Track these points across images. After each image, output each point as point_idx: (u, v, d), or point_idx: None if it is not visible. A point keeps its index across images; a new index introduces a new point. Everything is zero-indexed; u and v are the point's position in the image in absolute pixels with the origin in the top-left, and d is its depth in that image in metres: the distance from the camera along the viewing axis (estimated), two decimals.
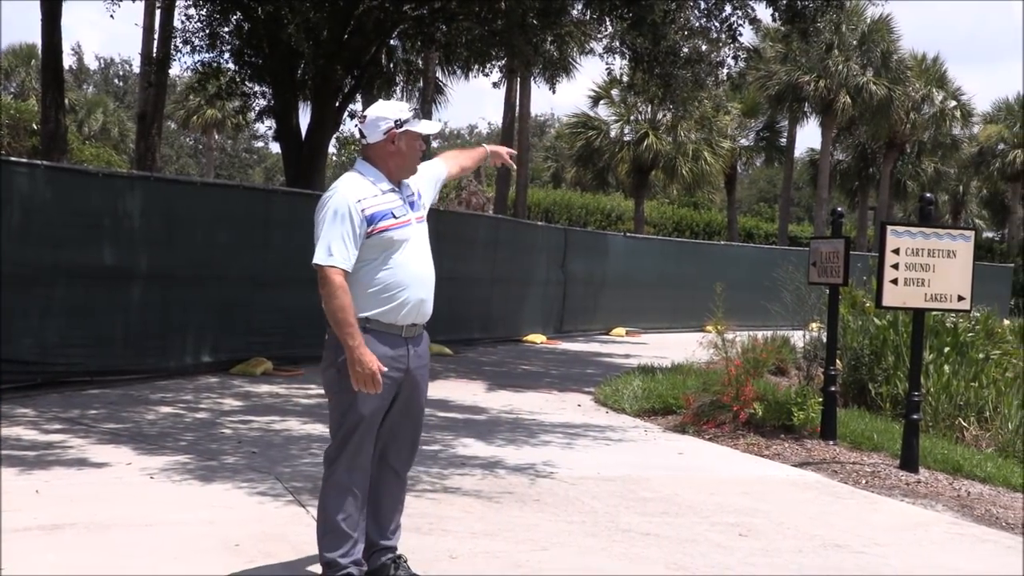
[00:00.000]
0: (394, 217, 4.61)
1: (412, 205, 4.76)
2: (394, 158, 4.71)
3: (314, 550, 4.76)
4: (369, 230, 4.55)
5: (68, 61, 59.15)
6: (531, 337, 19.66)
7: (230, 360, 12.79)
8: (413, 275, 4.64)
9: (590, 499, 6.93)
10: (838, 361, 10.27)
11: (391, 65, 20.34)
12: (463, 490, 6.91)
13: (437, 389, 11.76)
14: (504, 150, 5.51)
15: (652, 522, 6.38)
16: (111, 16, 19.41)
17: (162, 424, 9.04)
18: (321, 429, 8.85)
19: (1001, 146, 47.05)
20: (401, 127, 4.68)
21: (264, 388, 11.55)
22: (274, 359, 13.02)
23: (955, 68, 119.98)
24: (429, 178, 5.04)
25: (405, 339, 4.67)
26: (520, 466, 7.83)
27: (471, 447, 8.49)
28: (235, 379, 12.21)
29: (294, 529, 5.72)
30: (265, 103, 18.07)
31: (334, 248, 4.49)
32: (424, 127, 4.75)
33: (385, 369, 4.52)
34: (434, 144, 49.76)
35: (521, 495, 6.89)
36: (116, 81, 77.70)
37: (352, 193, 4.60)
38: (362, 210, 4.54)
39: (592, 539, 5.91)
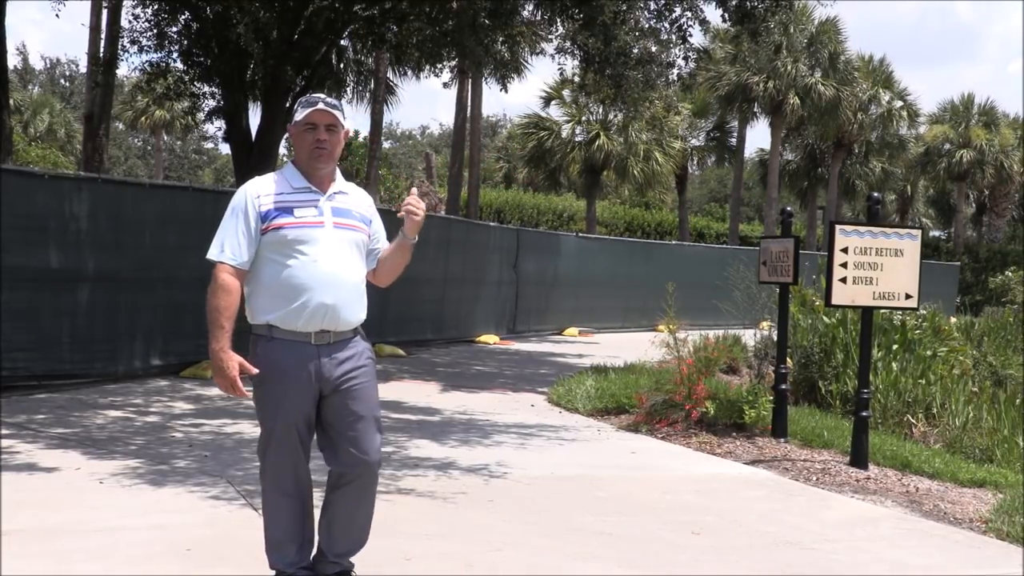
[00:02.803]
0: (293, 215, 4.35)
1: (339, 211, 4.46)
2: (297, 152, 4.52)
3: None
4: (264, 227, 4.35)
5: (13, 61, 58.34)
6: (484, 338, 19.66)
7: (180, 363, 12.68)
8: (317, 278, 4.32)
9: (544, 499, 6.94)
10: (788, 359, 10.36)
11: (341, 65, 20.26)
12: (417, 491, 6.89)
13: (390, 390, 11.73)
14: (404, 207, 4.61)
15: (606, 521, 6.40)
16: (56, 15, 19.10)
17: (112, 428, 8.94)
18: None
19: (947, 146, 47.66)
20: (293, 118, 4.51)
21: (215, 391, 11.43)
22: None
23: (901, 69, 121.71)
24: (379, 234, 4.69)
25: (316, 347, 4.37)
26: (474, 467, 7.83)
27: (425, 448, 8.47)
28: (186, 382, 12.10)
29: (247, 533, 5.67)
30: (214, 103, 17.88)
31: (226, 243, 4.36)
32: (298, 115, 4.46)
33: (255, 371, 4.33)
34: (385, 145, 49.61)
35: (475, 496, 6.89)
36: (62, 81, 76.75)
37: (254, 188, 4.44)
38: (259, 206, 4.37)
39: (546, 539, 5.92)
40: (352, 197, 4.58)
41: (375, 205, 4.78)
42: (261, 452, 4.50)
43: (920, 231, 8.95)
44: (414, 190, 4.71)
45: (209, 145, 74.77)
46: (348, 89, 22.34)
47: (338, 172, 4.59)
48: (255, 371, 4.32)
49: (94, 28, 19.96)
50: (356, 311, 4.47)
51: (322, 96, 4.47)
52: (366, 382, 4.52)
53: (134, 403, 10.43)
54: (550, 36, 19.18)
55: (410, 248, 4.63)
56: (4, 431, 8.48)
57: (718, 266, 17.84)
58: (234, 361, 4.27)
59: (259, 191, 4.42)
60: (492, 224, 26.40)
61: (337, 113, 4.44)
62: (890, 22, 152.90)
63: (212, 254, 4.37)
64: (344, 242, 4.43)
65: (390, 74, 31.96)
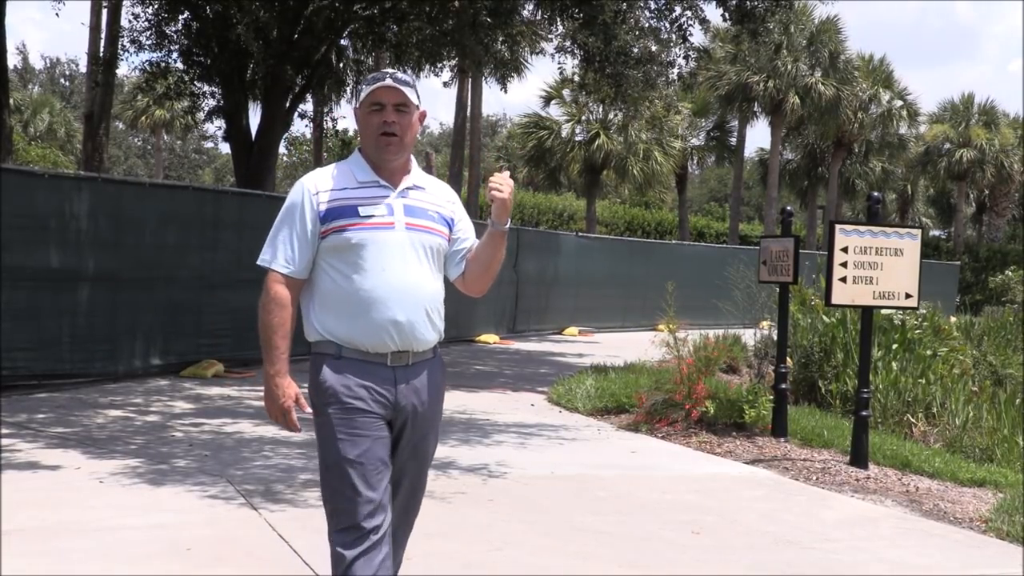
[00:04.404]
0: (358, 216, 3.64)
1: (413, 210, 3.73)
2: (363, 139, 3.80)
3: (266, 552, 4.73)
4: (323, 229, 3.65)
5: (13, 60, 58.37)
6: (484, 337, 19.64)
7: (180, 363, 12.68)
8: (386, 290, 3.62)
9: (544, 499, 6.93)
10: (788, 359, 10.36)
11: (341, 65, 20.26)
12: None
13: None
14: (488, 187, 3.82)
15: (606, 521, 6.40)
16: (56, 14, 19.12)
17: (112, 428, 8.94)
18: (273, 431, 8.79)
19: (947, 146, 47.63)
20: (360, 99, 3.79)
21: (215, 390, 11.45)
22: (225, 361, 12.92)
23: (901, 69, 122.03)
24: (465, 233, 3.96)
25: (392, 368, 3.68)
26: (473, 466, 7.82)
27: None
28: (186, 382, 12.10)
29: (246, 532, 5.68)
30: (214, 103, 17.91)
31: (278, 248, 3.70)
32: (362, 93, 3.75)
33: (308, 409, 3.69)
34: None
35: (474, 495, 6.88)
36: (62, 81, 76.79)
37: (313, 182, 3.74)
38: (318, 203, 3.67)
39: (546, 539, 5.91)
40: (430, 193, 3.85)
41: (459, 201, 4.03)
42: (326, 494, 3.69)
43: (920, 231, 8.94)
44: (505, 173, 3.85)
45: (209, 145, 74.82)
46: (348, 89, 22.30)
47: (414, 163, 3.87)
48: (308, 410, 3.69)
49: (94, 28, 19.96)
50: (433, 328, 3.79)
51: (391, 71, 3.75)
52: (437, 412, 3.94)
53: (134, 403, 10.43)
54: (550, 36, 19.21)
55: (501, 239, 3.84)
56: (4, 430, 8.47)
57: (718, 266, 17.85)
58: (292, 390, 3.67)
59: (318, 186, 3.72)
60: None
61: (408, 91, 3.70)
62: (890, 22, 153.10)
63: (264, 259, 3.72)
64: (418, 247, 3.73)
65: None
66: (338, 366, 3.65)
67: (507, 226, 3.82)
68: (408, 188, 3.76)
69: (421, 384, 3.75)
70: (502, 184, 3.74)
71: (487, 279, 3.98)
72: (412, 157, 3.86)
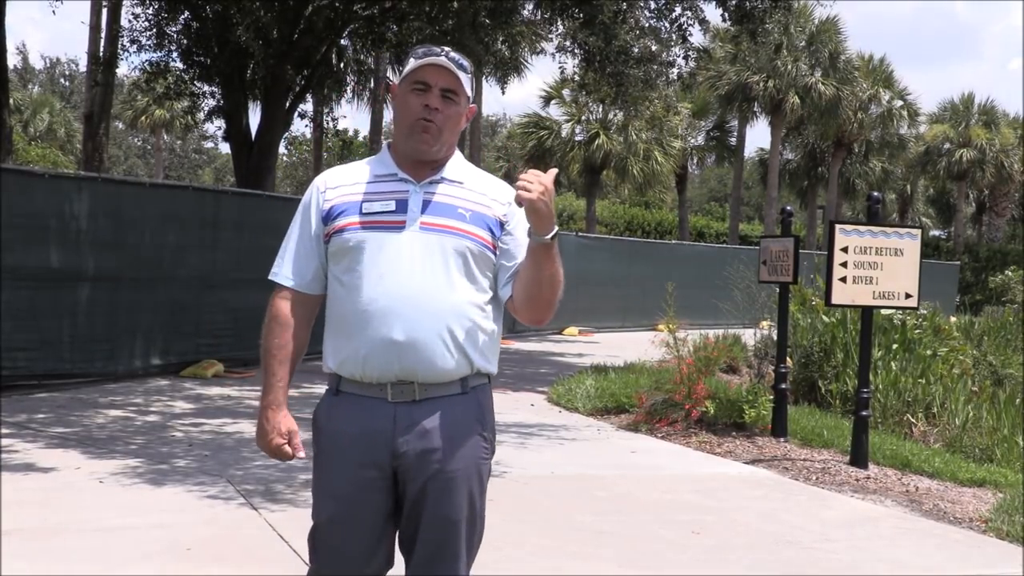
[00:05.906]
0: (360, 213, 2.99)
1: (433, 207, 3.00)
2: (396, 123, 3.11)
3: (266, 552, 4.72)
4: (326, 231, 3.04)
5: (13, 60, 58.35)
6: None
7: (180, 363, 12.68)
8: (384, 302, 2.92)
9: (543, 498, 6.93)
10: (788, 359, 10.35)
11: (342, 65, 20.27)
12: None
13: None
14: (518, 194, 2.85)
15: (606, 521, 6.40)
16: (53, 12, 19.20)
17: (112, 428, 8.94)
18: None
19: (947, 146, 47.62)
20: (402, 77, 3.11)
21: (215, 390, 11.45)
22: (225, 361, 12.91)
23: (900, 69, 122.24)
24: (516, 242, 3.06)
25: (394, 405, 2.96)
26: None
27: None
28: (186, 382, 12.10)
29: (246, 532, 5.68)
30: (214, 103, 17.93)
31: (286, 258, 3.12)
32: (407, 67, 3.04)
33: (301, 454, 3.10)
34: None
35: None
36: (62, 81, 76.79)
37: (324, 179, 3.13)
38: (323, 202, 3.06)
39: (546, 539, 5.91)
40: (468, 188, 3.08)
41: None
42: (311, 552, 3.14)
43: (920, 230, 8.94)
44: (551, 173, 2.92)
45: (209, 144, 74.78)
46: (348, 89, 22.31)
47: (457, 156, 3.14)
48: (300, 454, 3.10)
49: (94, 27, 19.97)
50: (456, 352, 2.97)
51: (447, 48, 3.04)
52: (460, 469, 3.07)
53: (134, 403, 10.43)
54: (550, 35, 19.22)
55: (545, 254, 2.91)
56: (4, 430, 8.47)
57: (718, 266, 17.86)
58: (282, 426, 3.05)
59: (328, 182, 3.11)
60: None
61: (463, 76, 3.01)
62: (890, 21, 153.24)
63: (273, 273, 3.14)
64: (435, 250, 2.96)
65: (390, 73, 31.98)
66: (332, 404, 3.06)
67: (548, 236, 2.88)
68: (435, 181, 3.04)
69: (433, 426, 2.97)
70: (531, 182, 2.84)
71: (538, 306, 3.03)
72: (457, 151, 3.15)
